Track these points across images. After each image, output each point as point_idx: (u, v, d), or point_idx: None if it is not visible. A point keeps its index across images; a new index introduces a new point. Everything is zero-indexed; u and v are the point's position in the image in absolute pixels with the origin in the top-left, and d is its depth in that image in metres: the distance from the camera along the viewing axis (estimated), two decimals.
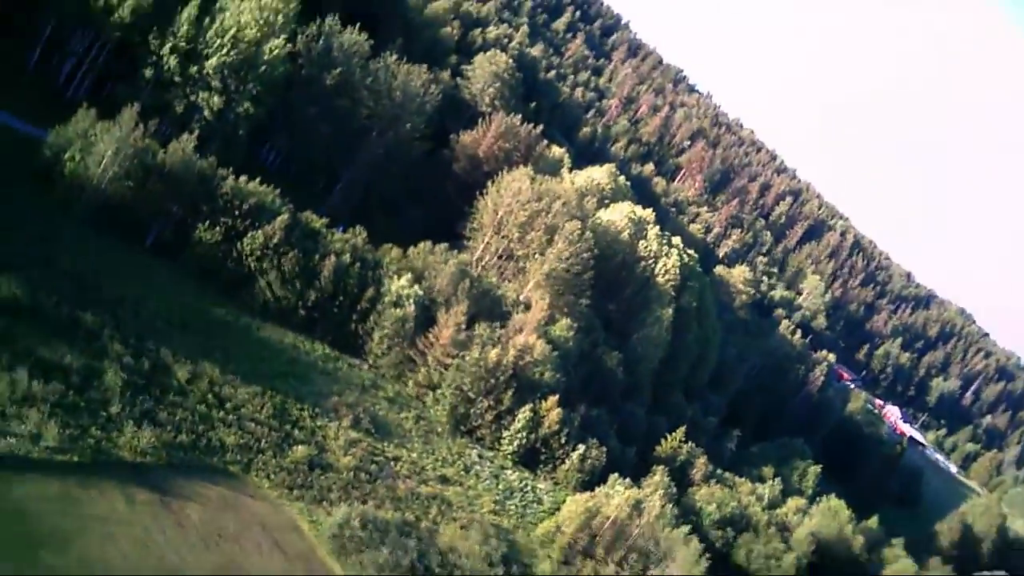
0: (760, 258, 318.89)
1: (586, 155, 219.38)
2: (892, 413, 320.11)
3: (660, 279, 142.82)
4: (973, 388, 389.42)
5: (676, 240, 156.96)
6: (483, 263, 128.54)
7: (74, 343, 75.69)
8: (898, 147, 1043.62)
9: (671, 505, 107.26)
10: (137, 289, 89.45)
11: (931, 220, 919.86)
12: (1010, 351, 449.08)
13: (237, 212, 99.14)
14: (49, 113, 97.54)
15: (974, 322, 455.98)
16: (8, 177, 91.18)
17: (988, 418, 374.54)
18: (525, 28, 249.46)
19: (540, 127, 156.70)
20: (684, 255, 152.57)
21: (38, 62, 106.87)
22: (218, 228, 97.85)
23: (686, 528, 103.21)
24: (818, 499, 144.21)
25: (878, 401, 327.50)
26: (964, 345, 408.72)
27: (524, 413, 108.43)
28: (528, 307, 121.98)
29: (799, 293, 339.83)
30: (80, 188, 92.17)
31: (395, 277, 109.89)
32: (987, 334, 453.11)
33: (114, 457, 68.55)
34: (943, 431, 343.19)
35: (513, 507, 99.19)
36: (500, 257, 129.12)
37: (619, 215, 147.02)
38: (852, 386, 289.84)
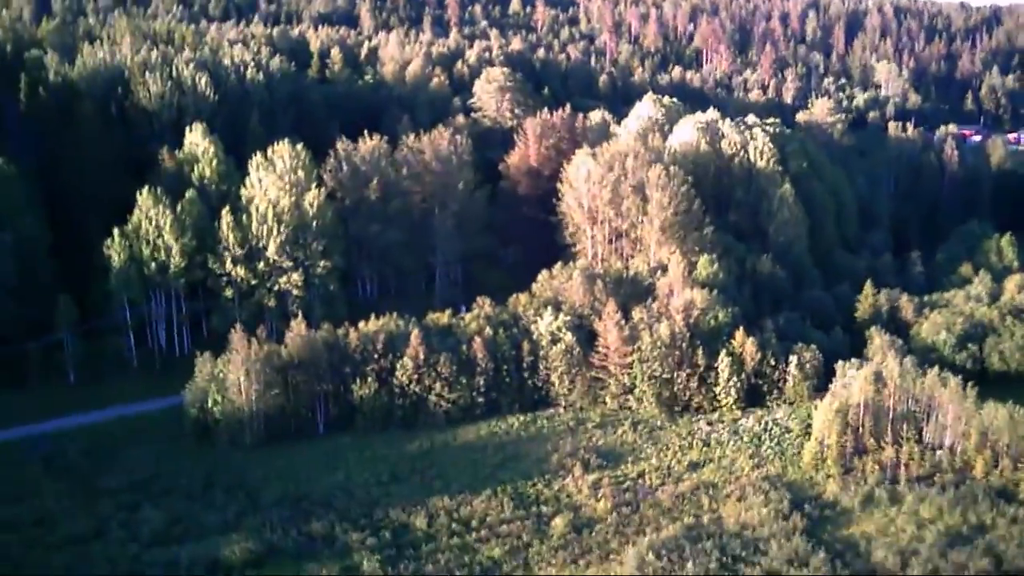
0: (826, 81, 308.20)
1: (615, 98, 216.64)
2: None
3: (760, 163, 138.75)
4: None
5: (750, 118, 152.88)
6: (599, 256, 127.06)
7: (320, 558, 77.34)
8: None
9: (903, 356, 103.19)
10: (337, 474, 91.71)
11: None
12: None
13: (376, 355, 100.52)
14: (175, 378, 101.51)
15: None
16: (175, 450, 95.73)
17: None
18: (495, 32, 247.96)
19: (568, 105, 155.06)
20: (765, 128, 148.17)
21: (136, 346, 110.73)
22: (369, 379, 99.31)
23: (933, 371, 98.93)
24: None
25: (1011, 136, 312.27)
26: None
27: (723, 362, 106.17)
28: (665, 269, 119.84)
29: (878, 87, 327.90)
30: (238, 422, 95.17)
31: (538, 319, 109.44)
32: None
33: None
34: None
35: (769, 451, 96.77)
36: (610, 241, 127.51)
37: (687, 131, 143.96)
38: (980, 139, 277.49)
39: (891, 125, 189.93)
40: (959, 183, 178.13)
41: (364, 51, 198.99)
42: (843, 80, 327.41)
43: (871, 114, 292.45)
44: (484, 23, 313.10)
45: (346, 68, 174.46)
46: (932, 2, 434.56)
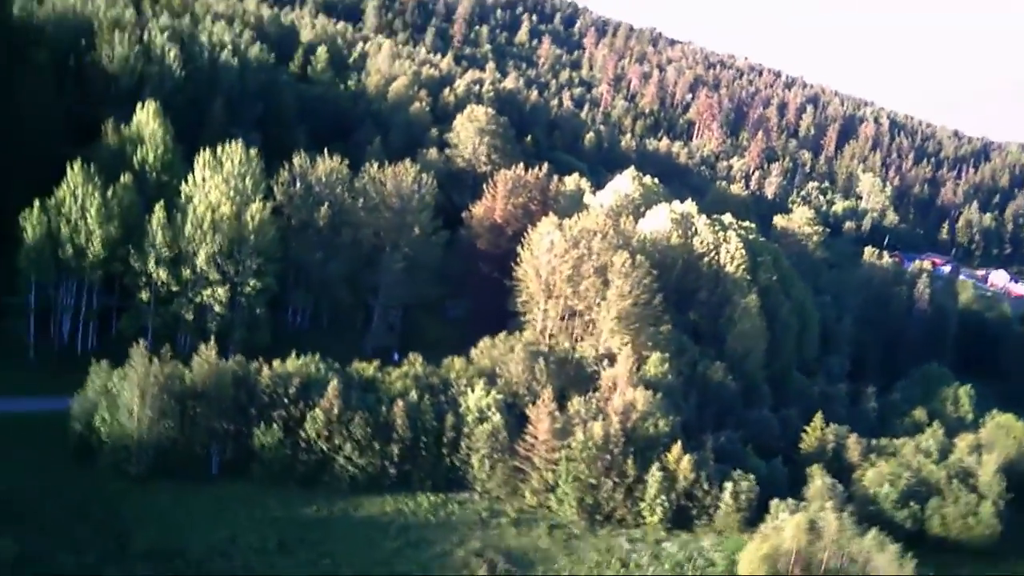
0: (811, 184, 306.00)
1: (598, 159, 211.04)
2: (999, 278, 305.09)
3: (729, 267, 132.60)
4: None
5: (727, 218, 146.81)
6: (548, 331, 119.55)
7: None
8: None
9: (846, 511, 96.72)
10: (222, 529, 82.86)
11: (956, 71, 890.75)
12: None
13: (287, 399, 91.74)
14: (71, 377, 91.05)
15: None
16: (51, 464, 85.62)
17: None
18: (492, 65, 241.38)
19: (545, 165, 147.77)
20: (741, 231, 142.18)
21: (37, 334, 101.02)
22: (275, 425, 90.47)
23: (873, 531, 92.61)
24: (981, 420, 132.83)
25: (980, 271, 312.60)
26: None
27: (654, 476, 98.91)
28: (612, 359, 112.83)
29: (859, 198, 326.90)
30: (123, 447, 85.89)
31: (468, 391, 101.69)
32: None
33: None
34: None
35: None
36: (563, 319, 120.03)
37: (661, 219, 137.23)
38: (949, 270, 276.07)
39: (867, 250, 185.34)
40: (925, 320, 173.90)
41: (355, 53, 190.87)
42: (826, 183, 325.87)
43: (847, 224, 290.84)
44: (487, 47, 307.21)
45: (330, 69, 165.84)
46: (927, 124, 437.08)
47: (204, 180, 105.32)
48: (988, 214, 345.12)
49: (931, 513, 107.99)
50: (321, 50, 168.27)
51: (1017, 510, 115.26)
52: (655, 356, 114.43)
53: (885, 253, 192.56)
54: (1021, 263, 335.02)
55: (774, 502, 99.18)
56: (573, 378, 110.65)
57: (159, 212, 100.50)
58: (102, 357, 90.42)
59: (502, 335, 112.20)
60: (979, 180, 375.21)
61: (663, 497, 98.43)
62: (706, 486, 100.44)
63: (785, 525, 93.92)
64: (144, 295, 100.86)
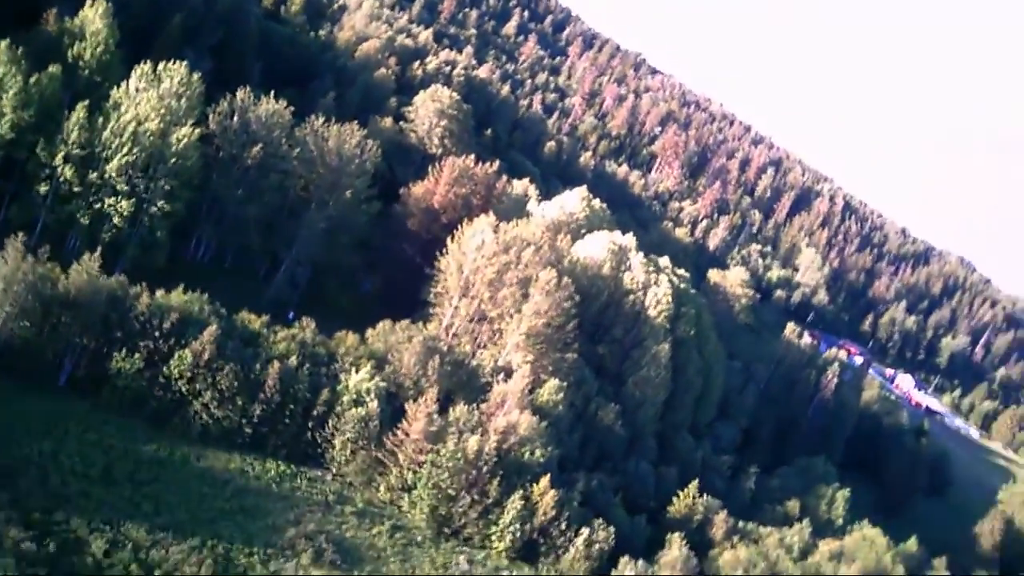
0: (754, 246, 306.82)
1: (554, 170, 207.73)
2: (905, 382, 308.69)
3: (652, 311, 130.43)
4: (983, 341, 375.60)
5: (664, 262, 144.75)
6: (453, 330, 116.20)
7: None
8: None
9: None
10: (49, 444, 77.92)
11: (916, 169, 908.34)
12: (1014, 296, 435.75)
13: (158, 332, 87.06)
14: None
15: (975, 270, 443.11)
16: None
17: (1002, 371, 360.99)
18: (470, 49, 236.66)
19: (497, 162, 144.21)
20: (674, 278, 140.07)
21: None
22: (138, 354, 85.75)
23: None
24: (850, 528, 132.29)
25: (889, 370, 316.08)
26: (969, 297, 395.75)
27: (514, 503, 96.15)
28: (509, 374, 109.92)
29: (795, 269, 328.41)
30: None
31: (352, 370, 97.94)
32: (988, 280, 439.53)
33: None
34: (958, 391, 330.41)
35: None
36: (472, 321, 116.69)
37: (598, 246, 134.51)
38: (861, 360, 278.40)
39: (789, 326, 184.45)
40: (825, 411, 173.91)
41: (335, 4, 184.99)
42: (768, 248, 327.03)
43: (778, 292, 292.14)
44: (473, 31, 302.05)
45: (304, 14, 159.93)
46: (879, 215, 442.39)
47: (137, 91, 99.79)
48: (912, 317, 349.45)
49: None
50: None
51: None
52: (552, 383, 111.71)
53: (805, 332, 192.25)
54: (929, 371, 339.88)
55: (624, 559, 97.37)
56: (464, 384, 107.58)
57: (80, 110, 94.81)
58: None
59: (405, 322, 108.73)
60: (913, 282, 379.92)
61: (517, 526, 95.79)
62: (563, 526, 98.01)
63: None
64: (43, 187, 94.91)
